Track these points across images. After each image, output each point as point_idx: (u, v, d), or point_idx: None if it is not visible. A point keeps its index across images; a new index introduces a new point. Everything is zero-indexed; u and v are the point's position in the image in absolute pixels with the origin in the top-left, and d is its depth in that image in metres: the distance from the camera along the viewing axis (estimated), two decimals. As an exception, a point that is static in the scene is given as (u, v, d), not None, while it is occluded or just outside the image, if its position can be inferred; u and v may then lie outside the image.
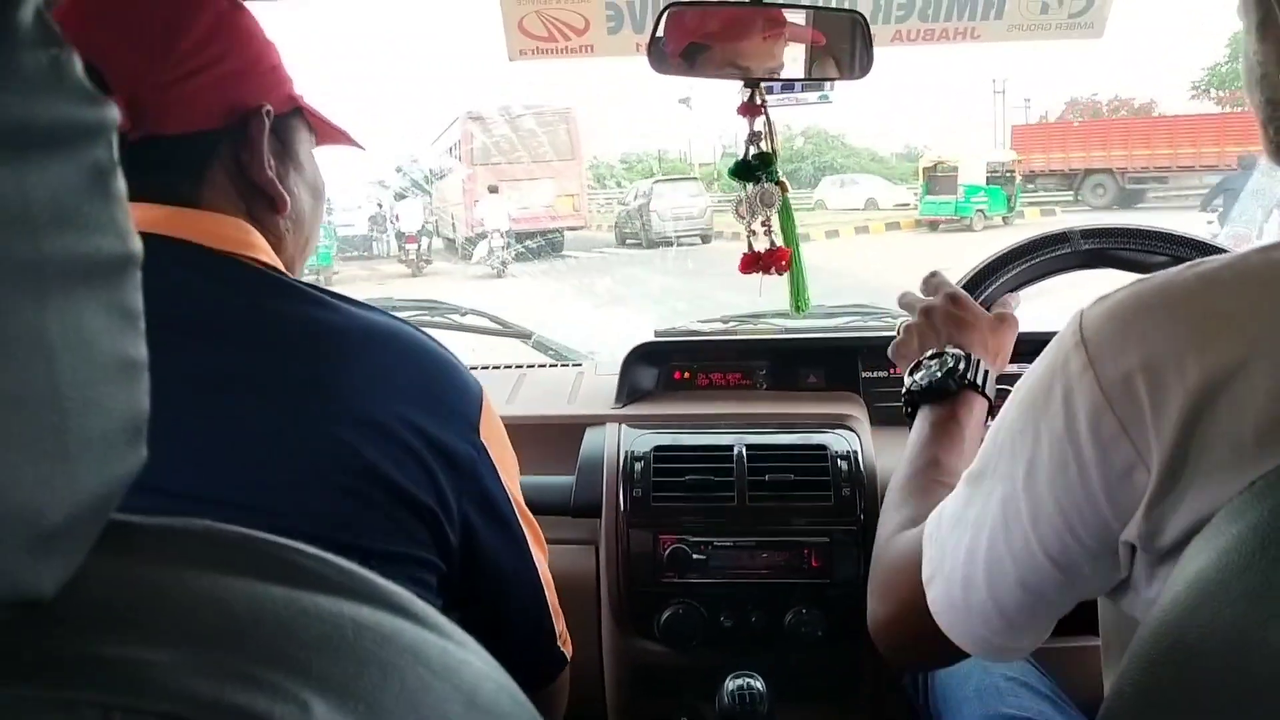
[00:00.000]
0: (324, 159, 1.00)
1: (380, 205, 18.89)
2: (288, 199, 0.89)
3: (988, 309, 1.36)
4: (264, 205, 0.88)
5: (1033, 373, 0.73)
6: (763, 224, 1.32)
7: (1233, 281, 0.63)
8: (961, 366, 1.13)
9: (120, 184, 0.32)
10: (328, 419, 0.76)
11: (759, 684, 1.27)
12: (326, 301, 0.82)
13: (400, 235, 16.92)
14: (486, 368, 2.00)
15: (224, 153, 0.85)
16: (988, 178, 19.26)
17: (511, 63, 1.68)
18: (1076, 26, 1.64)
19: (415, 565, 0.80)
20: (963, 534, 0.79)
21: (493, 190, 16.57)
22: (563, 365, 2.04)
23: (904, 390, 1.17)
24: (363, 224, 19.39)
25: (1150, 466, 0.62)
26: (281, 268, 0.86)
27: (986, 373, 1.14)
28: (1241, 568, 0.52)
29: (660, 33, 1.31)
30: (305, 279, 0.87)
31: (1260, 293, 0.62)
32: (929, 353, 1.17)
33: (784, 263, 1.31)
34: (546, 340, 2.14)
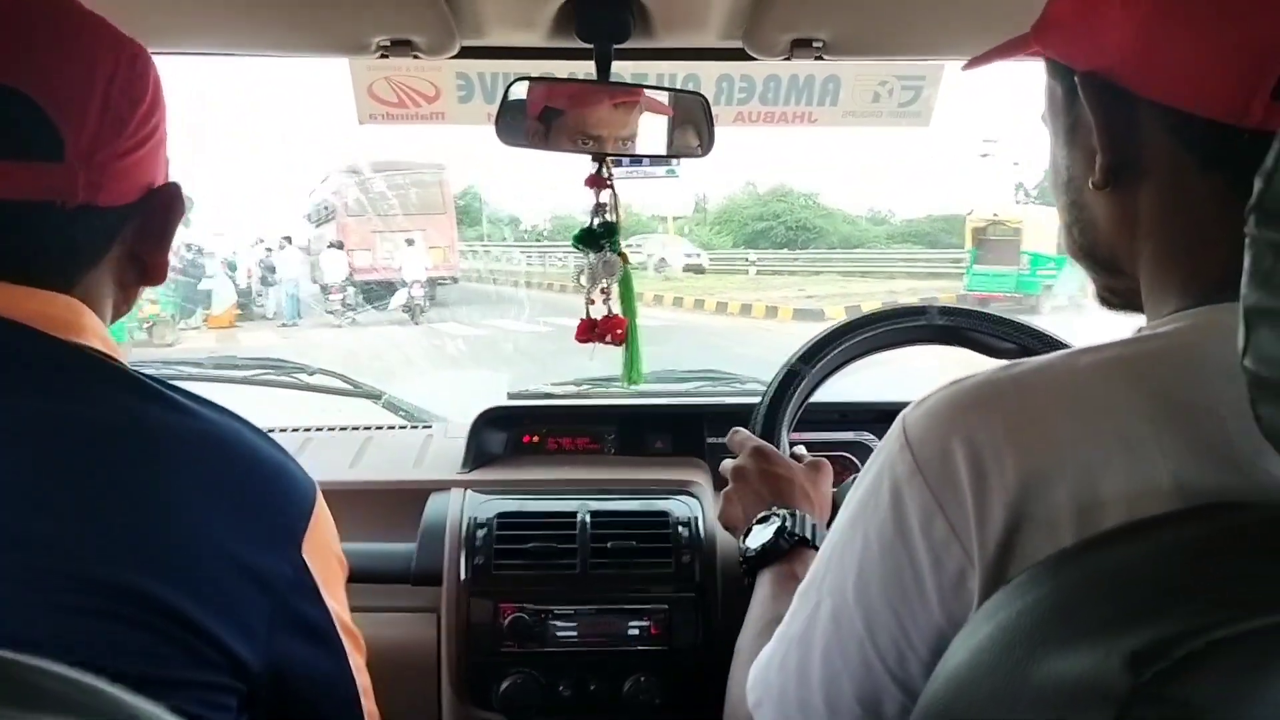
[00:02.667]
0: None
1: (265, 257, 18.21)
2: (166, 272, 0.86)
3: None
4: (136, 278, 0.84)
5: (861, 482, 0.73)
6: (602, 292, 1.35)
7: (1042, 386, 0.65)
8: (789, 524, 1.16)
9: None
10: (129, 545, 0.69)
11: None
12: (160, 394, 0.77)
13: (324, 287, 16.76)
14: (334, 429, 1.95)
15: (130, 229, 0.82)
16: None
17: (361, 125, 1.67)
18: (905, 115, 1.74)
19: (211, 690, 0.73)
20: (790, 652, 0.77)
21: (334, 245, 17.63)
22: (413, 427, 2.01)
23: (740, 559, 1.19)
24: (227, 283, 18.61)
25: (978, 570, 0.63)
26: (116, 353, 0.80)
27: (814, 526, 1.17)
28: (990, 667, 0.55)
29: (510, 106, 1.33)
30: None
31: (1067, 400, 0.64)
32: (756, 517, 1.20)
33: (619, 332, 1.33)
34: (397, 401, 2.12)
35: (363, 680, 0.91)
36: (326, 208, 19.92)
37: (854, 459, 1.77)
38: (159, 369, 2.01)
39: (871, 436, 1.78)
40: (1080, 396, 0.63)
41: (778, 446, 1.34)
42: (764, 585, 1.13)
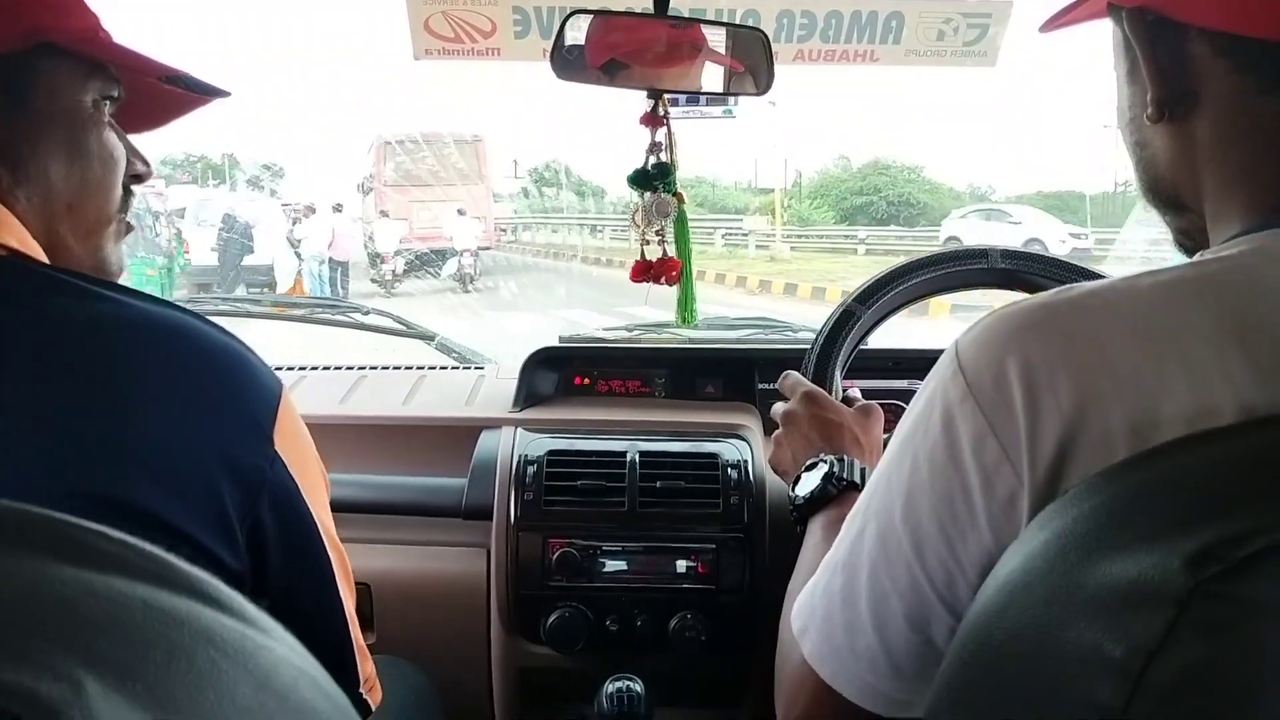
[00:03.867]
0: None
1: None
2: None
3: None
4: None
5: (912, 408, 0.73)
6: (657, 233, 1.34)
7: (1100, 307, 0.65)
8: (837, 469, 1.15)
9: None
10: (91, 449, 0.66)
11: (638, 687, 1.29)
12: (96, 293, 0.71)
13: (375, 255, 16.90)
14: (385, 368, 1.98)
15: None
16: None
17: (416, 61, 1.68)
18: (970, 54, 1.71)
19: None
20: (835, 576, 0.78)
21: (383, 214, 17.86)
22: (465, 368, 2.04)
23: (790, 506, 1.19)
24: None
25: (1027, 492, 0.63)
26: (35, 253, 0.74)
27: (863, 470, 1.16)
28: (1044, 572, 0.55)
29: (566, 38, 1.33)
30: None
31: (1126, 321, 0.63)
32: (806, 463, 1.19)
33: (674, 274, 1.33)
34: (450, 343, 2.14)
35: (349, 605, 0.86)
36: (370, 177, 20.15)
37: (905, 407, 1.75)
38: (217, 305, 2.05)
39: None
40: (1140, 318, 0.63)
41: (830, 389, 1.34)
42: (813, 532, 1.13)
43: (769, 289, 15.51)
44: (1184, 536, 0.49)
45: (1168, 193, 0.76)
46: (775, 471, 1.29)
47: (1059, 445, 0.62)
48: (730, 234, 22.83)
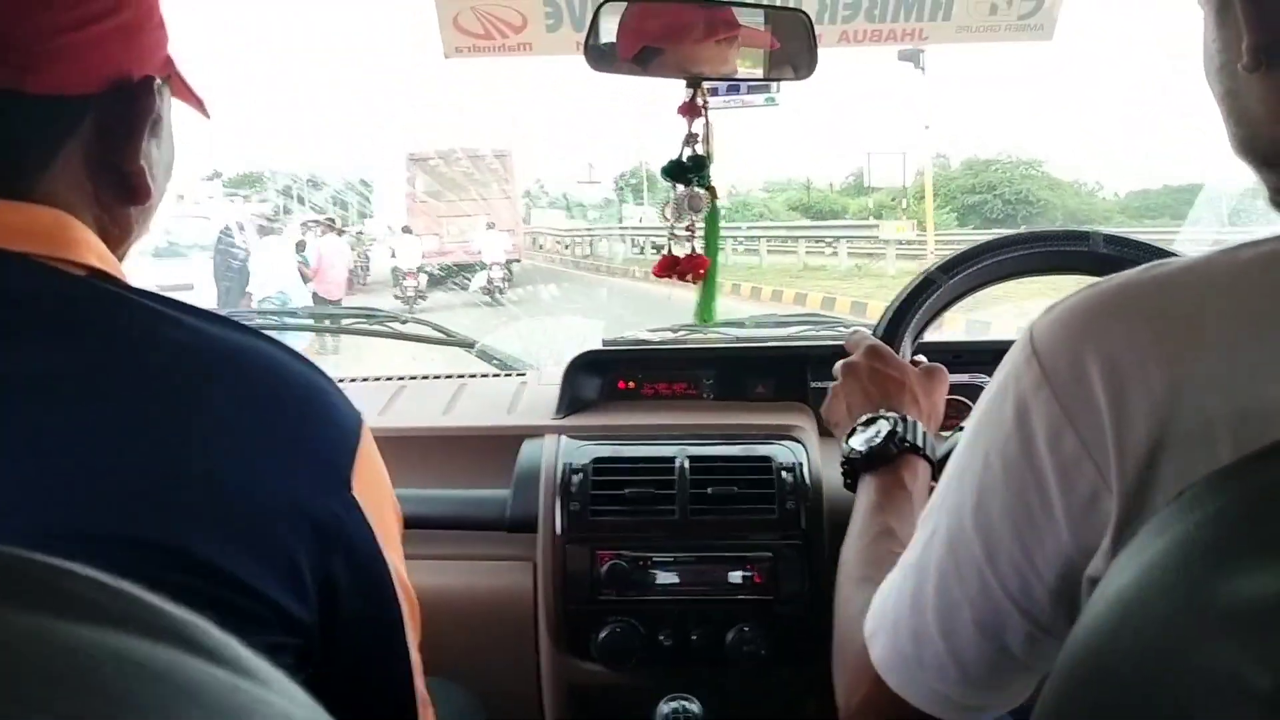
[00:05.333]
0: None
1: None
2: (152, 190, 0.75)
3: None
4: (117, 194, 0.74)
5: (983, 399, 0.69)
6: (687, 229, 1.30)
7: (1193, 284, 0.60)
8: (900, 429, 1.10)
9: None
10: (154, 492, 0.61)
11: (695, 707, 1.24)
12: (172, 317, 0.68)
13: (397, 271, 17.07)
14: (426, 377, 1.96)
15: (88, 127, 0.71)
16: None
17: (447, 59, 1.64)
18: (1026, 28, 1.63)
19: (265, 651, 0.65)
20: (905, 580, 0.74)
21: (405, 230, 18.20)
22: (506, 375, 2.00)
23: (843, 458, 1.15)
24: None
25: (1115, 491, 0.58)
26: (116, 271, 0.72)
27: (925, 434, 1.12)
28: (1165, 586, 0.49)
29: (600, 29, 1.29)
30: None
31: (1223, 298, 0.58)
32: (863, 418, 1.15)
33: (701, 271, 1.29)
34: (491, 349, 2.11)
35: (414, 653, 0.82)
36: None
37: (968, 402, 1.69)
38: (252, 316, 2.04)
39: (987, 379, 1.69)
40: (1239, 293, 0.58)
41: (898, 350, 1.28)
42: (867, 492, 1.09)
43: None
44: None
45: (1265, 149, 0.69)
46: (828, 424, 1.26)
47: (1150, 439, 0.56)
48: (860, 243, 20.40)
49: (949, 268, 1.33)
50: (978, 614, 0.67)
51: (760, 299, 15.66)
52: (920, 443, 1.10)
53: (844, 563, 1.02)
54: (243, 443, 0.66)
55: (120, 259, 0.76)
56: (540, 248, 26.15)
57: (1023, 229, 1.37)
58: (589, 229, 26.05)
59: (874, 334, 1.35)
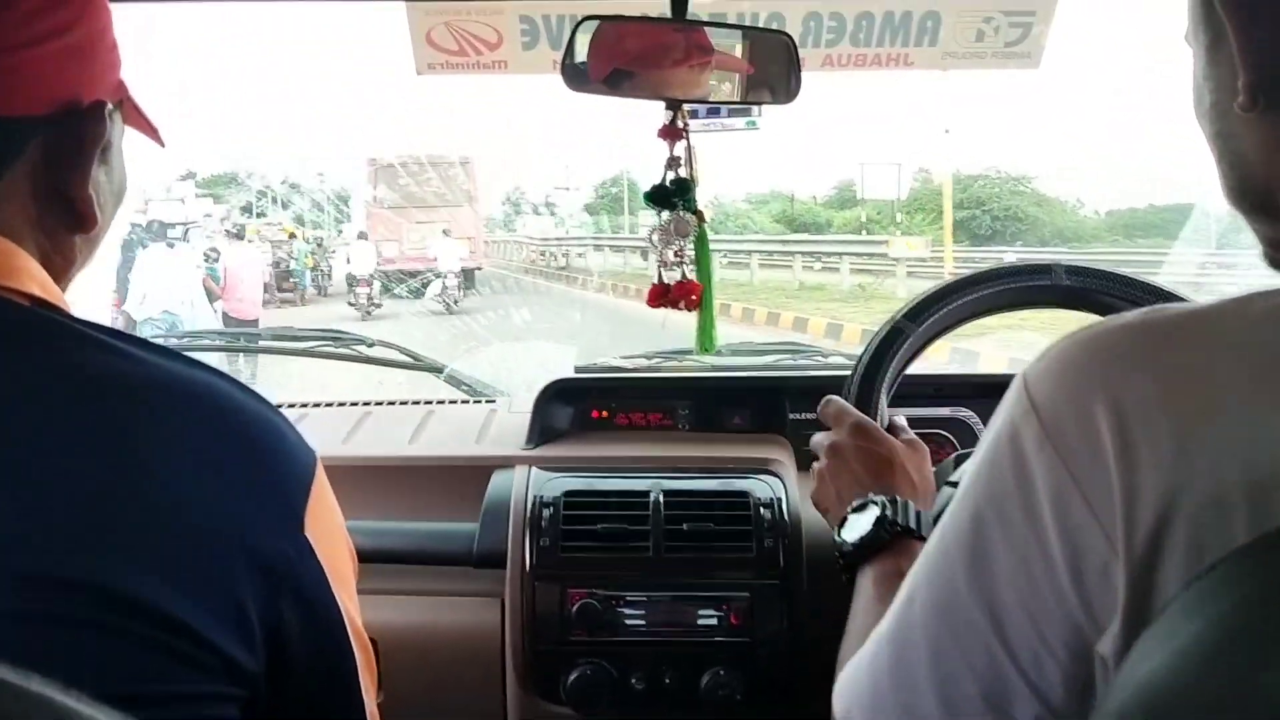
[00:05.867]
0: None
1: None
2: (99, 217, 0.72)
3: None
4: (61, 221, 0.71)
5: (979, 453, 0.64)
6: (675, 255, 1.26)
7: (1205, 333, 0.56)
8: (889, 512, 1.05)
9: None
10: (96, 531, 0.59)
11: None
12: (119, 348, 0.65)
13: (352, 278, 16.92)
14: (393, 403, 1.90)
15: (34, 150, 0.69)
16: None
17: (420, 76, 1.60)
18: (1012, 55, 1.62)
19: (207, 701, 0.62)
20: (882, 652, 0.68)
21: (361, 236, 18.19)
22: (475, 401, 1.95)
23: (836, 552, 1.08)
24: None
25: (1123, 560, 0.53)
26: (59, 301, 0.69)
27: (919, 514, 1.06)
28: (1202, 675, 0.44)
29: (577, 48, 1.25)
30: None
31: (1236, 350, 0.55)
32: (854, 503, 1.09)
33: (694, 298, 1.25)
34: (460, 375, 2.05)
35: (370, 705, 0.78)
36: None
37: (951, 437, 1.65)
38: (214, 339, 1.98)
39: (970, 413, 1.66)
40: (1254, 351, 0.54)
41: (874, 414, 1.23)
42: (865, 587, 1.02)
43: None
44: None
45: (1258, 195, 0.65)
46: (817, 509, 1.19)
47: (1160, 505, 0.52)
48: (864, 260, 18.58)
49: (915, 315, 1.29)
50: (984, 687, 0.62)
51: (754, 322, 14.06)
52: (914, 524, 1.04)
53: (840, 665, 0.95)
54: (187, 479, 0.64)
55: (64, 288, 0.73)
56: (508, 257, 25.77)
57: (984, 267, 1.33)
58: (561, 239, 25.49)
59: (847, 392, 1.28)
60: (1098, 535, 0.54)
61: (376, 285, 16.70)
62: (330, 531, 0.73)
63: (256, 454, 0.68)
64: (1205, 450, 0.51)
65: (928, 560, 0.66)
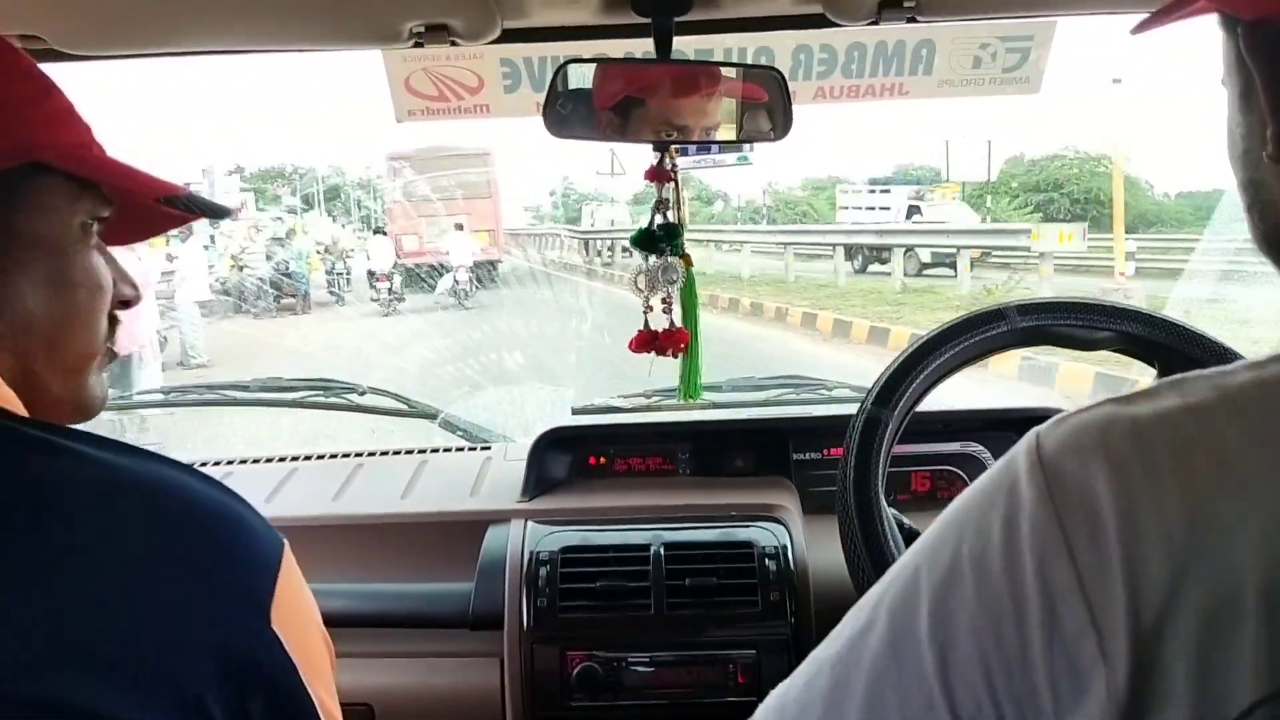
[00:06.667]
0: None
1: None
2: None
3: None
4: None
5: (966, 497, 0.60)
6: (663, 301, 1.23)
7: (1223, 410, 0.53)
8: None
9: None
10: (45, 643, 0.57)
11: None
12: (68, 448, 0.63)
13: (371, 274, 16.69)
14: (385, 453, 1.86)
15: None
16: None
17: (400, 124, 1.57)
18: (1011, 81, 1.58)
19: None
20: (821, 674, 0.63)
21: (379, 232, 17.87)
22: (470, 449, 1.90)
23: None
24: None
25: (1112, 659, 0.50)
26: (7, 403, 0.66)
27: None
28: None
29: (559, 93, 1.22)
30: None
31: (1249, 423, 0.52)
32: None
33: (680, 346, 1.21)
34: (455, 420, 2.01)
35: None
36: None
37: (961, 473, 1.61)
38: (203, 394, 1.94)
39: (980, 448, 1.62)
40: (1270, 423, 0.51)
41: (877, 516, 1.18)
42: None
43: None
44: None
45: None
46: None
47: (1166, 587, 0.49)
48: (995, 257, 15.77)
49: (884, 399, 1.23)
50: None
51: (850, 339, 11.18)
52: None
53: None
54: (144, 580, 0.62)
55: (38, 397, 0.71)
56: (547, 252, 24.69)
57: (958, 317, 1.29)
58: (606, 230, 23.64)
59: (842, 501, 1.21)
60: (1080, 608, 0.51)
61: (397, 279, 16.52)
62: (301, 620, 0.70)
63: (217, 549, 0.66)
64: (1215, 531, 0.49)
65: (893, 585, 0.61)
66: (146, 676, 0.59)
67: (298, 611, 0.69)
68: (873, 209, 22.32)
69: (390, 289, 16.13)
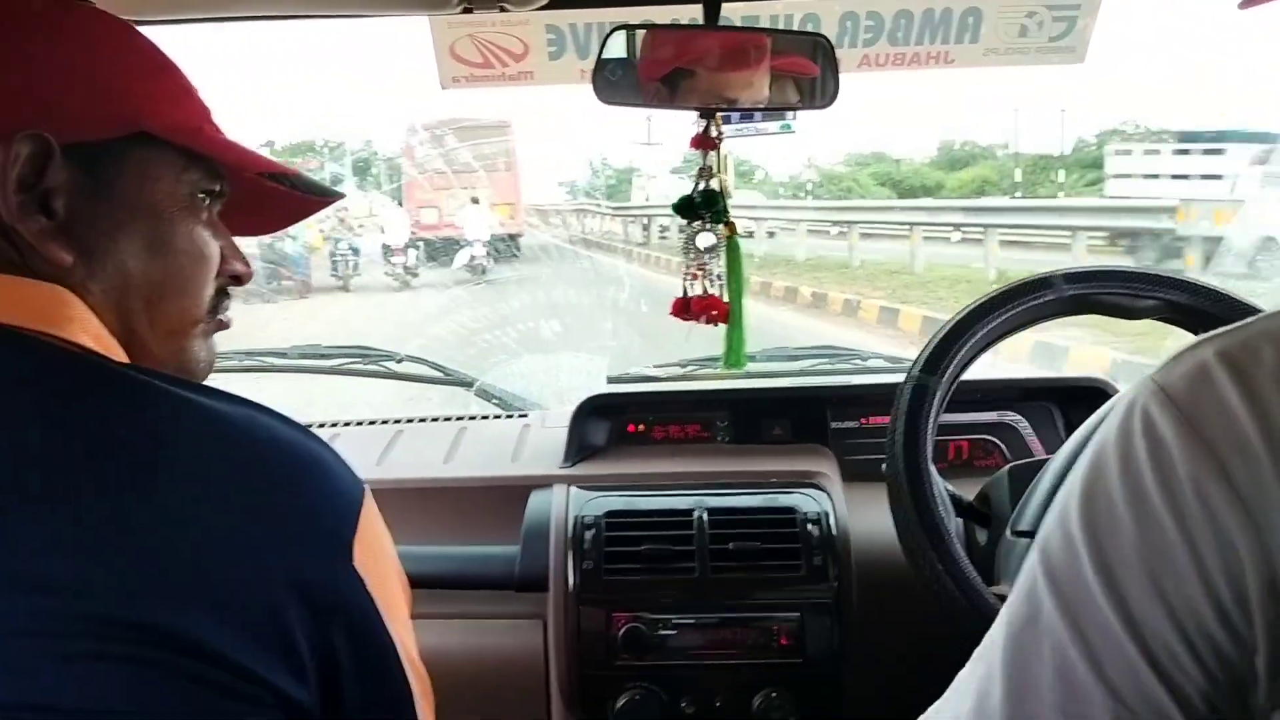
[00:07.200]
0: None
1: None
2: (59, 251, 0.70)
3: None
4: (44, 259, 0.70)
5: (1088, 462, 0.59)
6: (700, 269, 1.24)
7: None
8: None
9: None
10: (148, 574, 0.61)
11: None
12: (162, 390, 0.67)
13: (386, 248, 16.46)
14: (424, 420, 1.88)
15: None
16: None
17: (444, 90, 1.58)
18: (1057, 50, 1.58)
19: None
20: (984, 672, 0.60)
21: (396, 204, 17.69)
22: (508, 416, 1.92)
23: None
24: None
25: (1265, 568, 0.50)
26: (109, 351, 0.70)
27: None
28: None
29: (608, 58, 1.23)
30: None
31: None
32: None
33: (715, 313, 1.22)
34: (491, 388, 2.03)
35: None
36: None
37: (1000, 444, 1.62)
38: (242, 360, 1.96)
39: (1018, 417, 1.62)
40: None
41: (926, 483, 1.19)
42: None
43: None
44: None
45: None
46: None
47: None
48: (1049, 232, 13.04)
49: (932, 366, 1.24)
50: (1115, 707, 0.55)
51: None
52: None
53: None
54: (234, 517, 0.65)
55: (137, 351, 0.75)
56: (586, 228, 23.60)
57: (1004, 285, 1.29)
58: (642, 207, 22.04)
59: (891, 468, 1.21)
60: (1246, 527, 0.51)
61: (413, 254, 16.35)
62: (382, 561, 0.73)
63: (303, 488, 0.69)
64: None
65: (1045, 567, 0.59)
66: (238, 607, 0.62)
67: (379, 554, 0.72)
68: (1183, 177, 15.99)
69: (405, 265, 15.99)
